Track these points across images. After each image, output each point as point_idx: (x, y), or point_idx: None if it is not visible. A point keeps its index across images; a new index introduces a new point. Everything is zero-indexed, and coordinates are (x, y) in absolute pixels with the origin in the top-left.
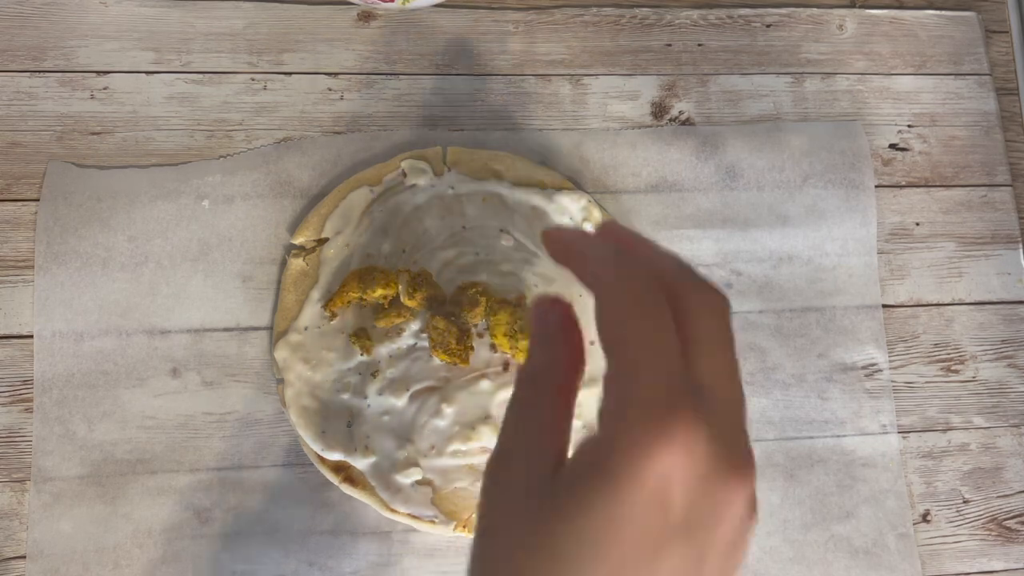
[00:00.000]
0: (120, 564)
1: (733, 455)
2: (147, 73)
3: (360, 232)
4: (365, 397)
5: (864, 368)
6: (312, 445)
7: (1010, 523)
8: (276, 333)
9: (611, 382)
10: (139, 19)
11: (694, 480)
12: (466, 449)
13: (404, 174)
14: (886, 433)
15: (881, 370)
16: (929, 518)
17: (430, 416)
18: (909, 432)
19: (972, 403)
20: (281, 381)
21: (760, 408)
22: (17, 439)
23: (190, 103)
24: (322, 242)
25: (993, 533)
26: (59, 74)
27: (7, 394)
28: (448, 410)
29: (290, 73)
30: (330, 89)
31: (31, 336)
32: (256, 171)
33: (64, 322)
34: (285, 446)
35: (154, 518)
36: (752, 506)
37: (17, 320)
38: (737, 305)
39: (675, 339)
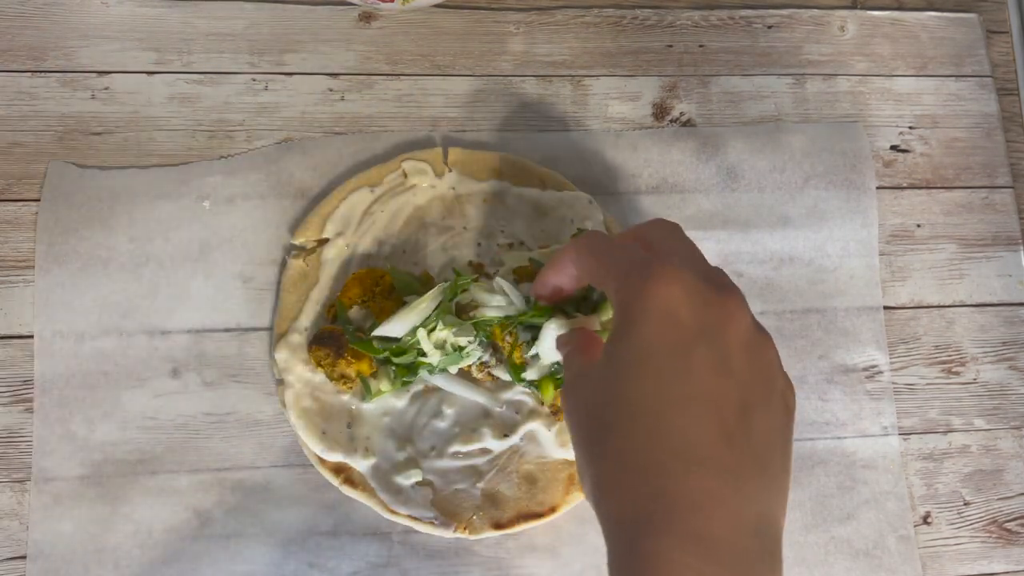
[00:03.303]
0: (120, 564)
1: (715, 280)
2: (148, 73)
3: (361, 233)
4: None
5: (865, 370)
6: (312, 447)
7: (1011, 525)
8: (276, 334)
9: (611, 281)
10: (140, 19)
11: (692, 298)
12: (466, 450)
13: (405, 175)
14: (887, 435)
15: (882, 372)
16: (930, 520)
17: (430, 417)
18: (910, 434)
19: (973, 405)
20: (281, 382)
21: None
22: (17, 439)
23: (191, 103)
24: (323, 242)
25: (994, 535)
26: (60, 74)
27: (7, 394)
28: (448, 411)
29: (291, 73)
30: (331, 89)
31: (31, 336)
32: (257, 171)
33: (64, 322)
34: (285, 447)
35: (154, 519)
36: (749, 317)
37: (17, 320)
38: None
39: (639, 250)
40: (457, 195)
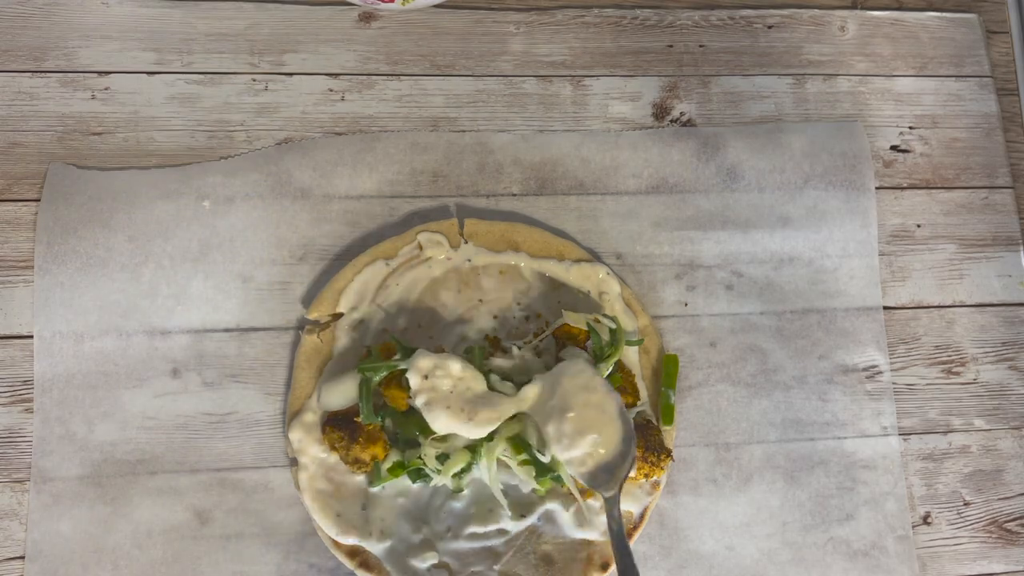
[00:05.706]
0: (119, 565)
1: None
2: (148, 73)
3: (376, 307)
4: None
5: (865, 370)
6: (327, 530)
7: (1011, 525)
8: (290, 412)
9: None
10: (140, 20)
11: None
12: (483, 531)
13: (420, 247)
14: (887, 435)
15: (882, 372)
16: (930, 520)
17: (446, 497)
18: (910, 434)
19: (973, 405)
20: (295, 463)
21: (761, 410)
22: (17, 439)
23: (191, 104)
24: (337, 317)
25: (994, 535)
26: (60, 74)
27: (7, 394)
28: (465, 491)
29: (291, 74)
30: (331, 90)
31: (31, 336)
32: (257, 172)
33: (64, 322)
34: (285, 447)
35: (154, 519)
36: None
37: (17, 320)
38: (738, 307)
39: None
40: (473, 267)
